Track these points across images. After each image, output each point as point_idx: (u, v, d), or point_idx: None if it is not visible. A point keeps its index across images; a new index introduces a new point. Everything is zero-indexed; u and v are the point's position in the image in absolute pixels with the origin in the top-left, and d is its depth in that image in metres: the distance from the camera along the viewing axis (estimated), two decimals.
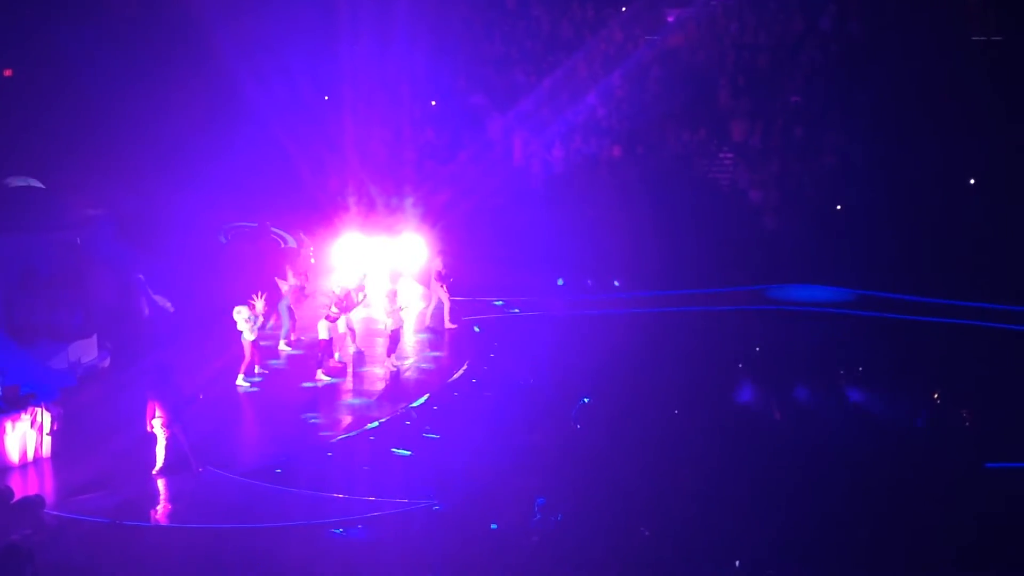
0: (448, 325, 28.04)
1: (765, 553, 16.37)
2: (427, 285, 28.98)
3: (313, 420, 22.10)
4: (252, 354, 23.76)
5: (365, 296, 25.69)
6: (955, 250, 29.82)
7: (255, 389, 23.64)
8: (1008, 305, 28.07)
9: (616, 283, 29.06)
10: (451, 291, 28.08)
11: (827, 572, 16.09)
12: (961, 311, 28.12)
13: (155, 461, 19.02)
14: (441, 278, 27.95)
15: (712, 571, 16.01)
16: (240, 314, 23.37)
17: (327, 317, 24.32)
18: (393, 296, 24.90)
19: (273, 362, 25.30)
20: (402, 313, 25.21)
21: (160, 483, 18.86)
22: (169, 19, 34.39)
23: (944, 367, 24.94)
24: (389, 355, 24.84)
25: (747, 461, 19.61)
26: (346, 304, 24.65)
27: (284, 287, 26.07)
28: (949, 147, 32.48)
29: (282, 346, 26.13)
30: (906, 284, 29.30)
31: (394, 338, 24.77)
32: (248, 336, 23.49)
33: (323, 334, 24.35)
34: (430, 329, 28.01)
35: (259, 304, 23.70)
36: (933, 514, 17.67)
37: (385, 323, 24.87)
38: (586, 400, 22.62)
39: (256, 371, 24.02)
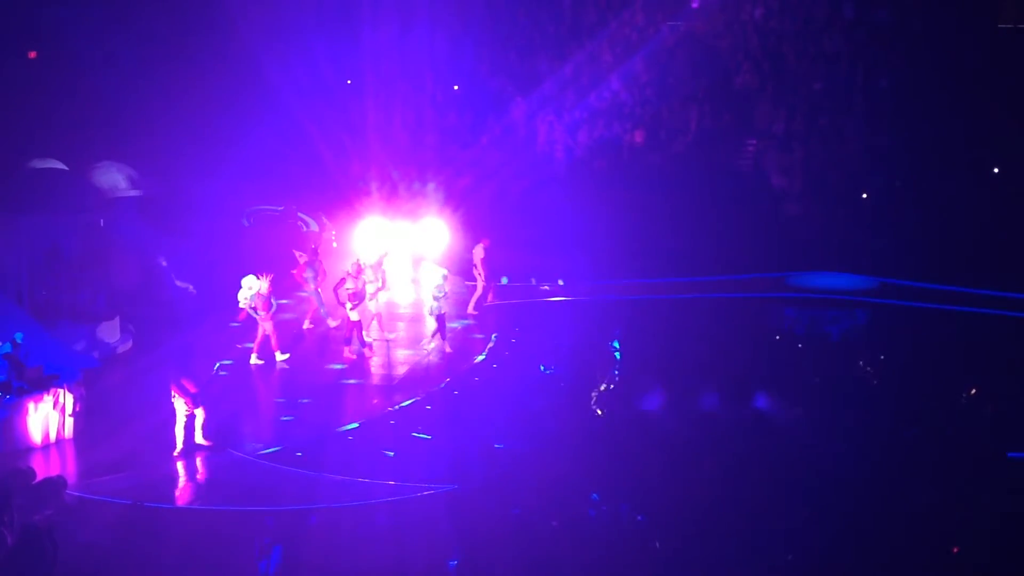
0: (470, 311, 28.01)
1: (788, 539, 16.35)
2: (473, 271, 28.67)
3: (333, 403, 22.11)
4: (263, 335, 23.75)
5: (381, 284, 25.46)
6: (979, 238, 29.68)
7: (285, 366, 23.79)
8: None
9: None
10: (488, 277, 28.09)
11: (847, 561, 16.02)
12: (984, 300, 27.97)
13: (175, 443, 19.09)
14: (483, 264, 27.84)
15: (734, 560, 15.97)
16: (246, 284, 23.31)
17: (349, 298, 24.26)
18: (444, 279, 24.88)
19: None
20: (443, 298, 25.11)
21: (181, 465, 18.90)
22: (193, 2, 34.43)
23: (967, 355, 24.80)
24: (444, 338, 24.88)
25: (768, 450, 19.56)
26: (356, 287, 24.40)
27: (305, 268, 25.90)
28: (974, 135, 32.33)
29: (306, 325, 26.12)
30: (930, 272, 29.16)
31: (442, 321, 24.76)
32: (260, 314, 23.44)
33: (353, 316, 24.31)
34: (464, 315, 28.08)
35: (264, 284, 23.43)
36: (955, 502, 17.59)
37: (432, 307, 24.67)
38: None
39: (253, 360, 23.91)
